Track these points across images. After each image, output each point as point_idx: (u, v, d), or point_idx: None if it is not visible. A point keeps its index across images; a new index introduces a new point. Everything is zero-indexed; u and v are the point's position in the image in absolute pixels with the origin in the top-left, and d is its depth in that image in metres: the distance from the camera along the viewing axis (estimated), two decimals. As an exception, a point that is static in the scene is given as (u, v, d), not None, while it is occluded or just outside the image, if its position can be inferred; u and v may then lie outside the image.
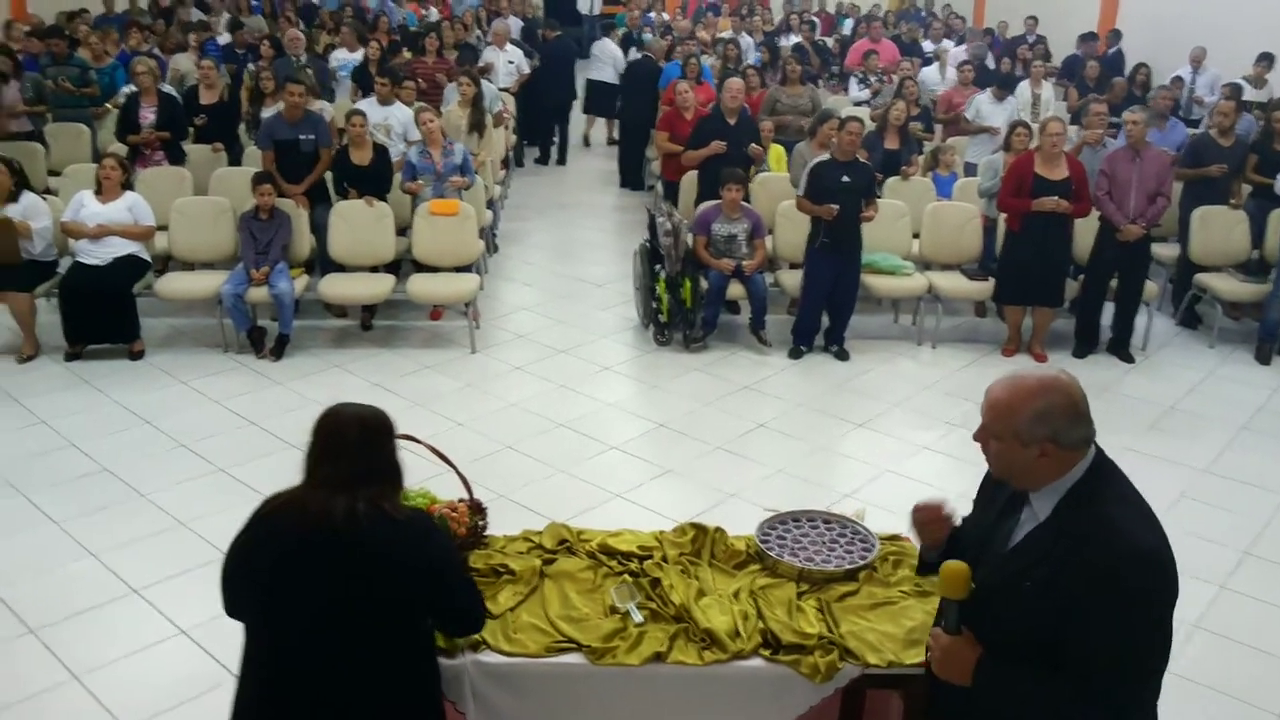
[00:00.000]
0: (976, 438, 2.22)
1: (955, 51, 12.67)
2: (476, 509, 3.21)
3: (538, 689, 2.81)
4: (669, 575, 3.08)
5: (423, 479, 3.47)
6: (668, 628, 2.89)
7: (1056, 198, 6.62)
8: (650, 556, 3.20)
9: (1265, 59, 10.53)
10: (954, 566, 2.18)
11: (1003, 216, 7.16)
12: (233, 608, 2.50)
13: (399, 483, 2.51)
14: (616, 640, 2.84)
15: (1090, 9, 14.52)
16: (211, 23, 12.57)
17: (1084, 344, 7.21)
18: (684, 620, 2.91)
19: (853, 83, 11.31)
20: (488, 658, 2.80)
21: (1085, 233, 7.04)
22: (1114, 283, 7.06)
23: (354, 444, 2.43)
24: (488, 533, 3.29)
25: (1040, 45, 12.75)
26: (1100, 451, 2.16)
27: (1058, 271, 6.96)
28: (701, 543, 3.28)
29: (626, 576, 3.10)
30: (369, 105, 8.13)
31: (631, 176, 11.56)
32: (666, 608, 2.95)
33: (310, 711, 2.38)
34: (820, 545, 3.26)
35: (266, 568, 2.38)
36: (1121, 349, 7.17)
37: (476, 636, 2.82)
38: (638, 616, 2.92)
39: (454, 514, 3.12)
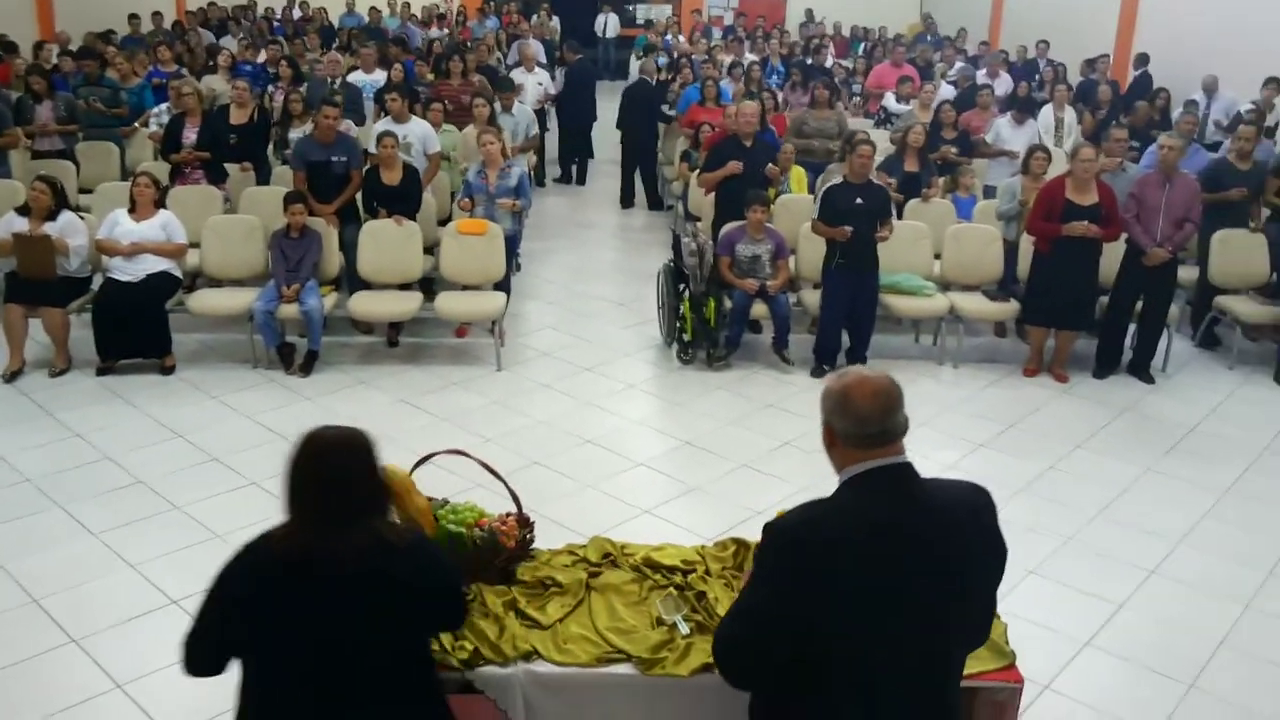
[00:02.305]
0: None
1: (953, 72, 12.89)
2: (524, 523, 3.28)
3: (588, 698, 2.87)
4: (713, 588, 3.14)
5: (455, 491, 3.56)
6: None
7: (1087, 223, 6.69)
8: (694, 570, 3.26)
9: (1274, 82, 10.60)
10: None
11: (1025, 239, 7.22)
12: (208, 655, 2.34)
13: (388, 504, 2.47)
14: (664, 651, 2.90)
15: (1106, 33, 14.63)
16: (234, 44, 12.74)
17: (1105, 365, 7.26)
18: (729, 632, 2.96)
19: (890, 96, 11.36)
20: (540, 667, 2.87)
21: (1110, 256, 7.09)
22: (1137, 305, 7.12)
23: (346, 471, 2.34)
24: (533, 546, 3.35)
25: (1061, 69, 12.85)
26: (891, 469, 2.18)
27: (1086, 295, 7.02)
28: (743, 557, 3.34)
29: (672, 590, 3.16)
30: (386, 124, 8.23)
31: (630, 197, 11.80)
32: (712, 620, 3.01)
33: None
34: None
35: (272, 613, 2.28)
36: (1142, 370, 7.22)
37: (526, 646, 2.89)
38: (684, 628, 2.98)
39: (504, 527, 3.19)
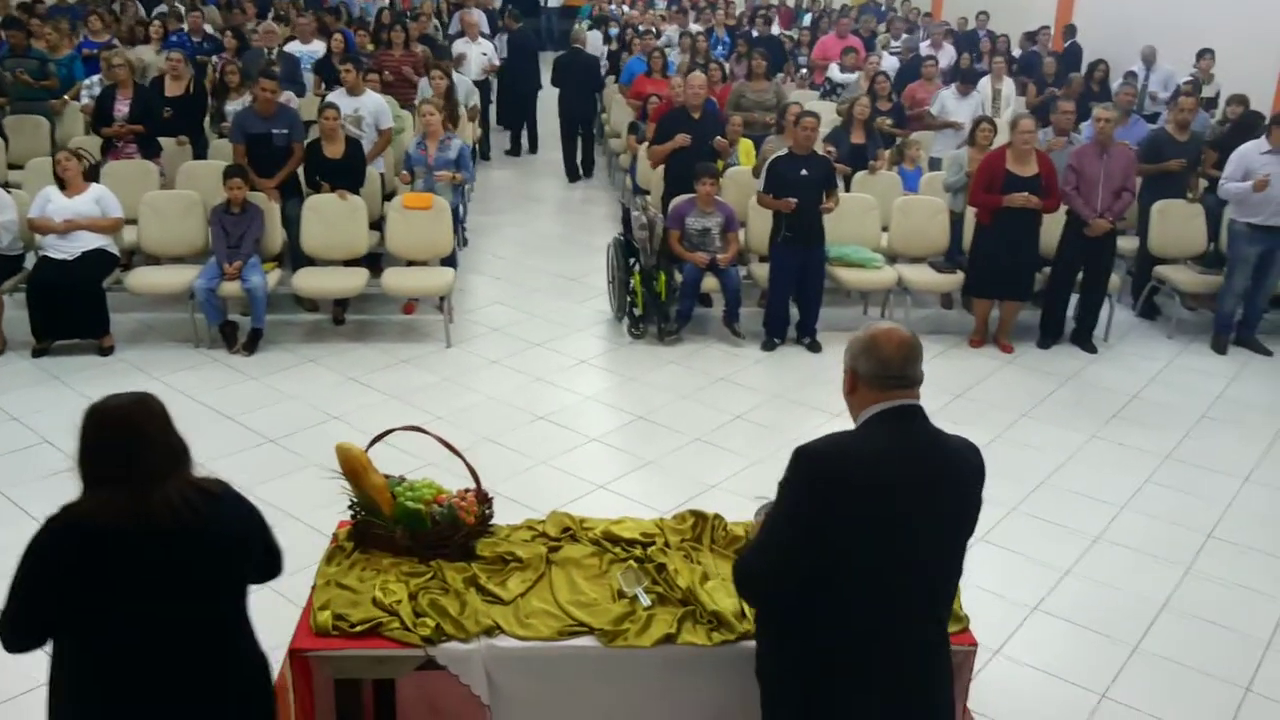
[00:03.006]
0: None
1: (897, 44, 12.99)
2: (483, 499, 3.25)
3: (552, 672, 2.86)
4: (673, 560, 3.15)
5: (408, 469, 3.51)
6: (675, 610, 2.96)
7: (1027, 194, 6.78)
8: (653, 543, 3.26)
9: (1207, 54, 10.80)
10: None
11: (971, 211, 7.31)
12: (33, 632, 2.33)
13: (190, 459, 2.44)
14: (626, 623, 2.90)
15: (1045, 5, 14.79)
16: (168, 14, 12.36)
17: (1048, 335, 7.39)
18: (690, 603, 2.98)
19: (834, 68, 11.36)
20: (502, 642, 2.85)
21: (1050, 227, 7.20)
22: (1079, 275, 7.24)
23: (145, 433, 2.34)
24: (492, 522, 3.33)
25: (1004, 40, 12.97)
26: (909, 409, 2.39)
27: (1027, 266, 7.13)
28: (701, 529, 3.35)
29: (632, 562, 3.16)
30: (338, 97, 8.05)
31: (574, 170, 11.74)
32: (673, 591, 3.02)
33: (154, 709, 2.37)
34: None
35: (100, 581, 2.27)
36: (1085, 340, 7.36)
37: (488, 622, 2.88)
38: (645, 600, 2.99)
39: (463, 504, 3.16)
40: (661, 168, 8.14)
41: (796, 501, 2.33)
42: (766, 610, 2.53)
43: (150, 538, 2.28)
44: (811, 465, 2.32)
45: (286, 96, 7.89)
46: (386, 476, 3.31)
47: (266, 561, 2.61)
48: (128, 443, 2.32)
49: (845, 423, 2.50)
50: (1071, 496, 5.38)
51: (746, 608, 2.91)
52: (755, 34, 13.03)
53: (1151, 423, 6.30)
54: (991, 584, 4.50)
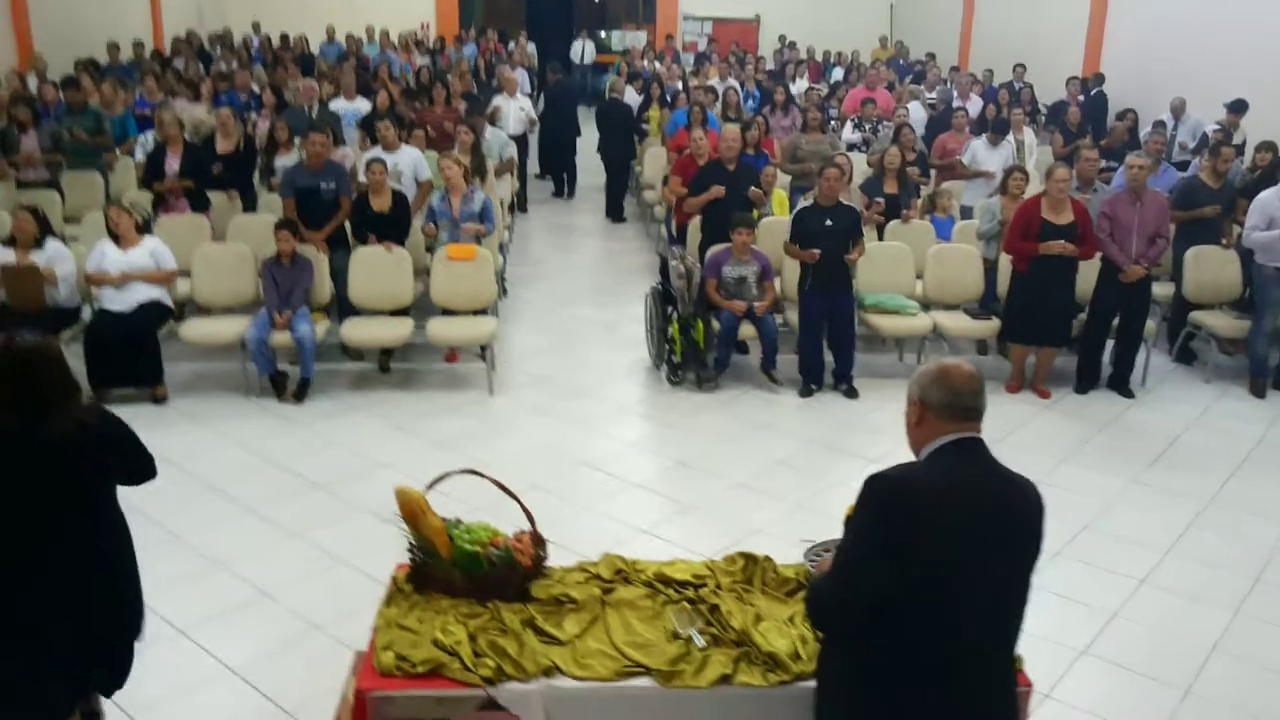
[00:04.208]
0: None
1: (932, 95, 13.15)
2: (538, 541, 3.34)
3: (610, 712, 2.92)
4: (726, 601, 3.21)
5: (459, 513, 3.58)
6: (730, 651, 3.01)
7: (1063, 241, 6.85)
8: (705, 584, 3.32)
9: (1239, 107, 10.87)
10: None
11: (1005, 258, 7.38)
12: None
13: (77, 392, 3.21)
14: (683, 664, 2.96)
15: (1075, 54, 14.94)
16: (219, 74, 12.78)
17: (1085, 380, 7.41)
18: (745, 644, 3.03)
19: (848, 126, 11.61)
20: (561, 682, 2.92)
21: (1086, 273, 7.26)
22: (1115, 321, 7.28)
23: (41, 370, 3.07)
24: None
25: (1027, 91, 13.10)
26: (975, 441, 2.48)
27: (1064, 312, 7.18)
28: (752, 571, 3.41)
29: (685, 604, 3.22)
30: (377, 152, 8.29)
31: (615, 209, 12.43)
32: (726, 632, 3.08)
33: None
34: None
35: None
36: (1122, 385, 7.37)
37: (546, 662, 2.95)
38: (700, 641, 3.05)
39: (519, 546, 3.25)
40: (698, 218, 8.29)
41: (869, 528, 2.39)
42: (837, 637, 2.57)
43: (41, 447, 3.02)
44: (884, 492, 2.38)
45: (342, 154, 8.12)
46: (443, 519, 3.41)
47: (134, 466, 3.34)
48: (34, 371, 3.07)
49: (882, 468, 2.54)
50: (1115, 540, 5.39)
51: (801, 649, 2.97)
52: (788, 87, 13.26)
53: (1193, 467, 6.29)
54: (1039, 627, 4.44)
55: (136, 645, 3.82)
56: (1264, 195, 7.28)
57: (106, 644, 3.32)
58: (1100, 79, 13.98)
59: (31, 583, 3.10)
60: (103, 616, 3.28)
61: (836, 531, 2.66)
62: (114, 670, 3.40)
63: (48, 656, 3.14)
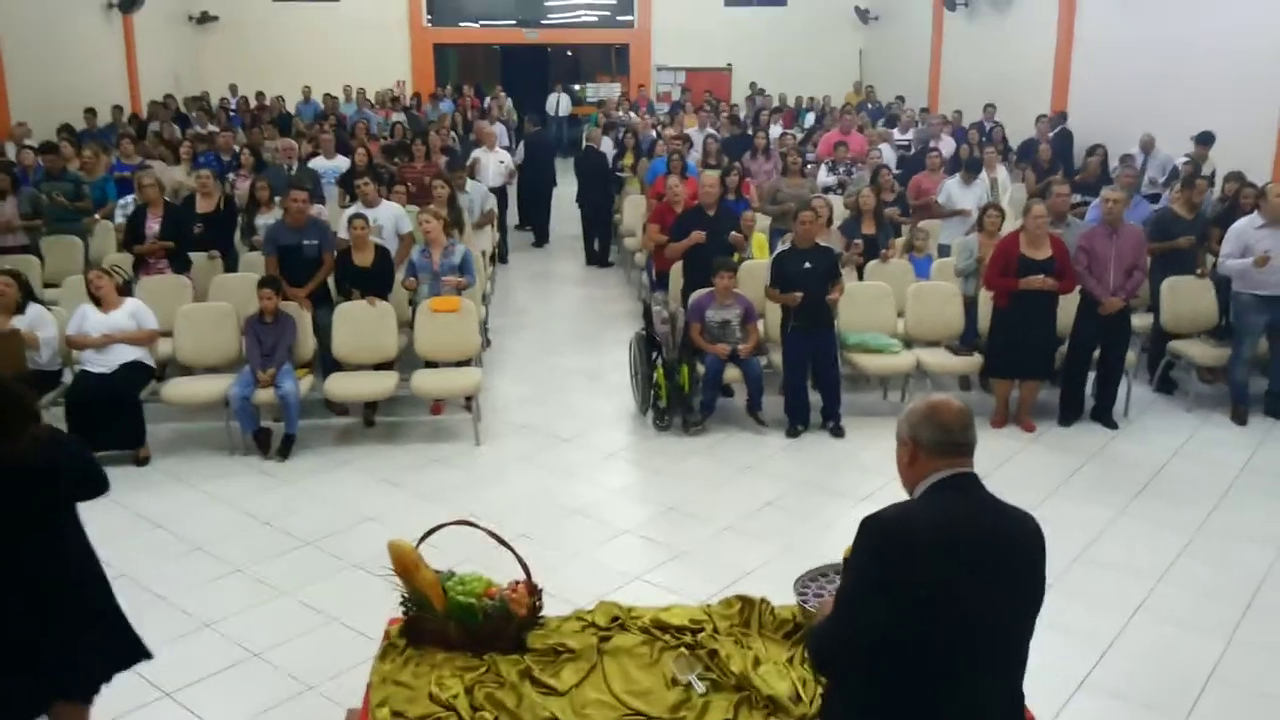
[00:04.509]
0: None
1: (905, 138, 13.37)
2: (533, 590, 3.32)
3: (611, 762, 2.89)
4: (724, 646, 3.19)
5: (448, 565, 3.55)
6: (730, 696, 2.99)
7: (1043, 276, 6.94)
8: (702, 629, 3.30)
9: (1206, 139, 11.07)
10: None
11: (984, 294, 7.46)
12: None
13: (33, 419, 3.36)
14: (683, 711, 2.93)
15: (1042, 93, 15.22)
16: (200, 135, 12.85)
17: (1069, 413, 7.46)
18: (745, 689, 3.01)
19: (822, 170, 11.76)
20: (561, 733, 2.89)
21: (1066, 306, 7.34)
22: (1095, 353, 7.35)
23: (16, 398, 3.27)
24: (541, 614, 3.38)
25: (999, 130, 13.32)
26: (968, 477, 2.49)
27: (1046, 346, 7.25)
28: (749, 614, 3.40)
29: (683, 650, 3.20)
30: (358, 208, 8.33)
31: (594, 255, 12.73)
32: (726, 677, 3.06)
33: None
34: None
35: None
36: (1105, 416, 7.42)
37: (545, 714, 2.92)
38: (700, 687, 3.02)
39: (514, 595, 3.23)
40: (679, 264, 8.35)
41: (866, 568, 2.39)
42: (840, 680, 2.55)
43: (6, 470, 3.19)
44: (879, 532, 2.38)
45: (317, 210, 8.16)
46: (436, 572, 3.38)
47: (88, 482, 3.51)
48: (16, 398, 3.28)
49: (874, 505, 2.53)
50: (1107, 571, 5.39)
51: (802, 690, 2.95)
52: (752, 133, 13.48)
53: (1179, 496, 6.32)
54: (1035, 659, 4.47)
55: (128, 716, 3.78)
56: (1239, 224, 7.41)
57: (69, 646, 3.43)
58: (1063, 116, 14.24)
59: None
60: (69, 620, 3.43)
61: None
62: (80, 672, 3.49)
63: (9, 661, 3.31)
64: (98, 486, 3.58)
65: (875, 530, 2.38)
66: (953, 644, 2.35)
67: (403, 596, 3.36)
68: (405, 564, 3.30)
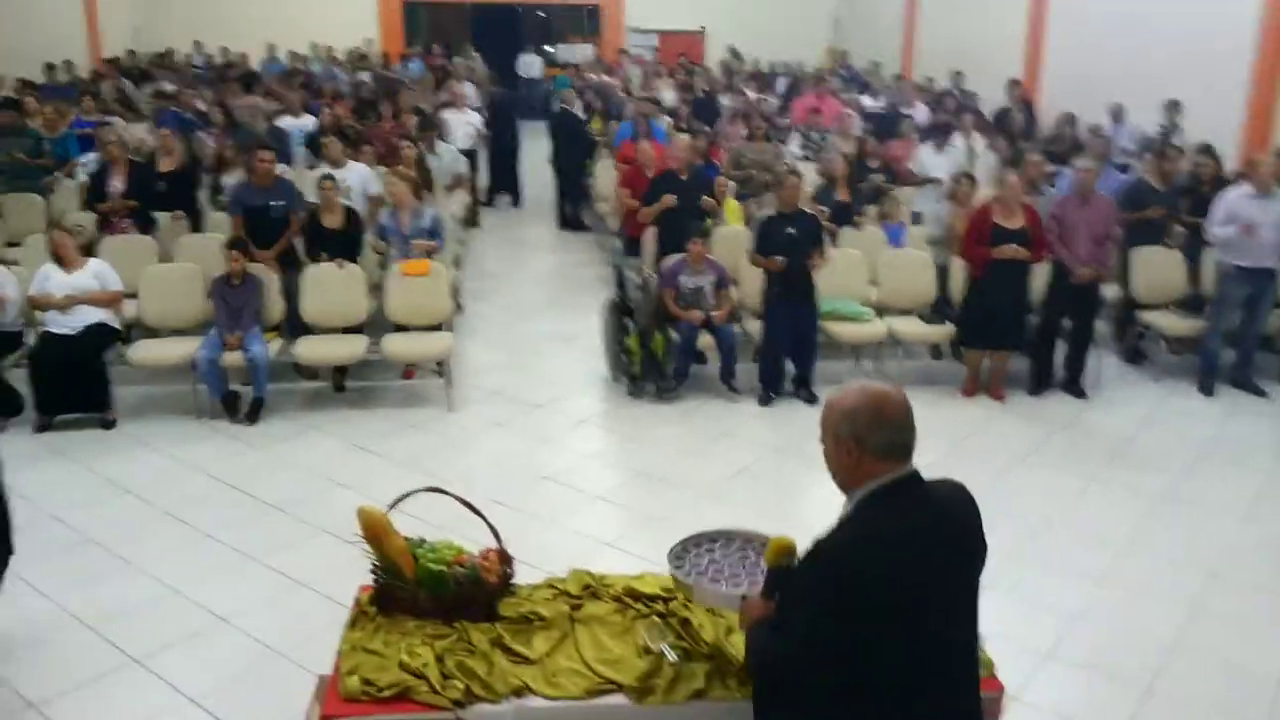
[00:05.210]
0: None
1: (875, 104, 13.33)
2: (505, 558, 3.30)
3: (583, 731, 2.88)
4: (697, 615, 3.18)
5: (420, 533, 3.52)
6: (703, 665, 2.99)
7: (1015, 245, 6.95)
8: (675, 597, 3.30)
9: (1174, 106, 11.10)
10: (781, 541, 2.62)
11: (955, 263, 7.46)
12: None
13: None
14: (655, 679, 2.93)
15: (1014, 60, 15.16)
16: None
17: (1039, 382, 7.51)
18: (717, 657, 3.01)
19: (794, 137, 11.68)
20: (532, 702, 2.88)
21: (1036, 276, 7.36)
22: (1065, 322, 7.39)
23: None
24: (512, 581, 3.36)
25: (975, 97, 13.28)
26: (913, 479, 2.33)
27: (1018, 315, 7.27)
28: (721, 582, 3.39)
29: (655, 618, 3.20)
30: (325, 168, 8.20)
31: (571, 219, 12.58)
32: (699, 646, 3.06)
33: None
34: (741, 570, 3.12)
35: None
36: (1074, 386, 7.48)
37: (517, 682, 2.91)
38: (671, 655, 3.02)
39: (486, 563, 3.20)
40: (652, 229, 8.29)
41: (824, 600, 2.23)
42: (784, 690, 2.44)
43: None
44: (836, 565, 2.23)
45: (282, 169, 8.02)
46: (407, 539, 3.35)
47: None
48: None
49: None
50: (1075, 540, 5.45)
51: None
52: (724, 100, 13.38)
53: (1147, 465, 6.39)
54: (1003, 630, 4.51)
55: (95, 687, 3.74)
56: (1229, 194, 7.38)
57: None
58: (1016, 84, 14.13)
59: None
60: None
61: (801, 539, 2.55)
62: None
63: None
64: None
65: (837, 571, 2.22)
66: (919, 651, 2.27)
67: (373, 564, 3.32)
68: (375, 531, 3.26)
